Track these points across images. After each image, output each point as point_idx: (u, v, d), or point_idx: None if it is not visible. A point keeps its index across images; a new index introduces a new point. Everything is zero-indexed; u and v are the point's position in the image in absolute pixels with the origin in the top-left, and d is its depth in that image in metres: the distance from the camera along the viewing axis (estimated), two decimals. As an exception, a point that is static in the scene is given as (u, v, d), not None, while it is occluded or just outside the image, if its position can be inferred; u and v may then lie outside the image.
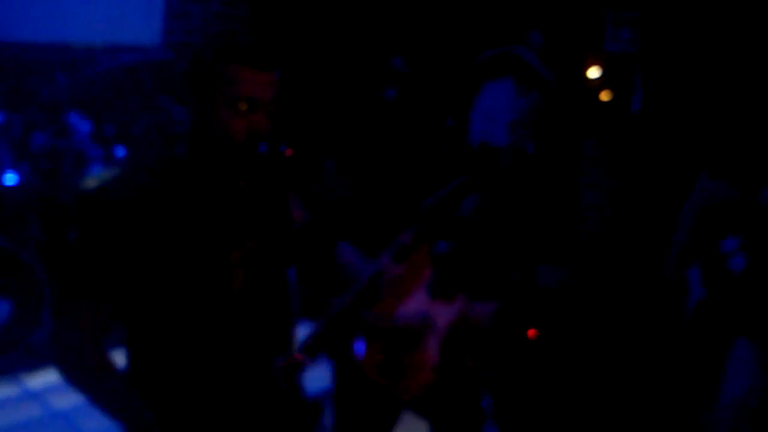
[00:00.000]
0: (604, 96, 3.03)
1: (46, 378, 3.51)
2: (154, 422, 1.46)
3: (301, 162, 1.79)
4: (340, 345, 2.35)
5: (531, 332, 2.96)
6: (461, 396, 2.43)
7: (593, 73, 3.06)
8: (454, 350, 2.37)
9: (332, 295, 1.73)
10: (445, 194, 2.02)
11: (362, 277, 1.63)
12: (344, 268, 1.82)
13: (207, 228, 1.50)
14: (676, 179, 2.67)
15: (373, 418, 2.37)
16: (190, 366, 1.52)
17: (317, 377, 2.62)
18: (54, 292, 3.49)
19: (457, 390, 2.42)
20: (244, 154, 1.47)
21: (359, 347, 2.27)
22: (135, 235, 1.43)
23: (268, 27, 4.76)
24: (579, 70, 3.18)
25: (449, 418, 2.43)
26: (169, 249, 1.45)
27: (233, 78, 1.42)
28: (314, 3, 4.63)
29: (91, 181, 4.02)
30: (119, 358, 1.55)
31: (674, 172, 2.73)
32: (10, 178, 3.83)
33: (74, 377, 1.48)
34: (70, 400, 3.23)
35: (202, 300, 1.49)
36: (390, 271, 1.67)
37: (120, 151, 4.33)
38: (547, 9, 3.29)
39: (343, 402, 2.40)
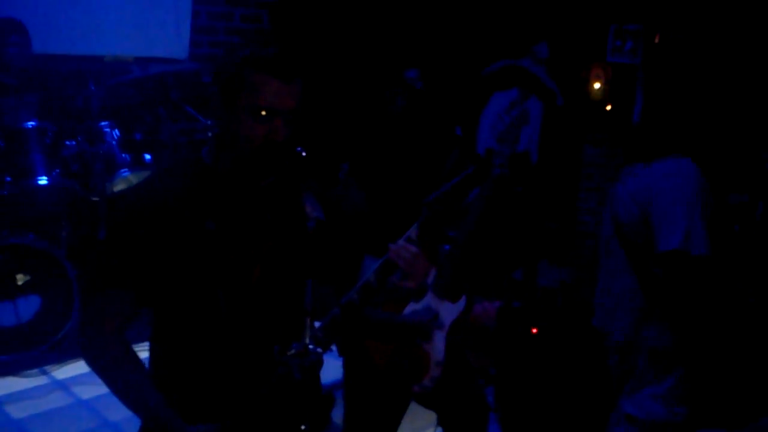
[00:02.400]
0: (607, 106, 3.15)
1: (73, 370, 3.67)
2: (169, 415, 1.53)
3: (317, 164, 1.89)
4: (350, 338, 2.46)
5: (533, 330, 3.07)
6: (467, 390, 2.53)
7: (596, 83, 3.18)
8: (460, 347, 2.47)
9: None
10: (450, 187, 2.05)
11: (370, 270, 1.71)
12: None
13: (228, 225, 1.58)
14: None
15: (382, 410, 2.47)
16: (209, 356, 1.60)
17: (328, 370, 2.75)
18: (82, 284, 3.65)
19: (463, 384, 2.51)
20: (263, 157, 1.54)
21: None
22: (160, 231, 1.52)
23: (289, 40, 4.94)
24: (583, 80, 3.30)
25: (456, 411, 2.52)
26: (192, 244, 1.54)
27: (257, 86, 1.48)
28: (333, 19, 4.80)
29: (120, 184, 4.18)
30: (143, 353, 1.64)
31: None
32: (42, 181, 3.99)
33: (95, 363, 1.57)
34: (95, 390, 3.40)
35: (222, 292, 1.57)
36: (397, 262, 1.72)
37: (147, 158, 4.49)
38: (552, 22, 3.42)
39: (354, 394, 2.50)
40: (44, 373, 3.75)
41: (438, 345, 2.31)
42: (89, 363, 1.59)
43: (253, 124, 1.51)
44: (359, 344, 2.39)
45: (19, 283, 3.79)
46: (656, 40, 3.29)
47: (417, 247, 1.69)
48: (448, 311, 2.35)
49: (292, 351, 1.53)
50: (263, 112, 1.50)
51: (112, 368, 1.57)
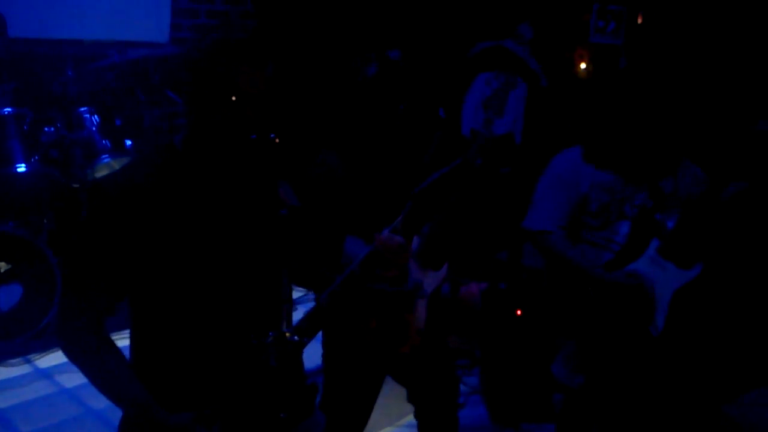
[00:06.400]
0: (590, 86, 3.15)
1: (57, 358, 3.64)
2: (150, 404, 1.53)
3: (292, 149, 1.88)
4: (334, 322, 2.46)
5: (518, 311, 3.09)
6: (439, 365, 2.55)
7: (581, 64, 3.17)
8: (439, 324, 2.49)
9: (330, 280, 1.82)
10: (436, 179, 2.06)
11: (355, 260, 1.68)
12: (347, 259, 1.84)
13: (203, 213, 1.58)
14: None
15: (359, 384, 2.48)
16: (187, 345, 1.60)
17: (312, 356, 2.74)
18: (62, 274, 3.61)
19: (436, 358, 2.53)
20: (236, 143, 1.54)
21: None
22: (137, 221, 1.51)
23: (272, 23, 4.88)
24: (567, 61, 3.28)
25: (426, 386, 2.54)
26: (168, 233, 1.53)
27: (226, 72, 1.48)
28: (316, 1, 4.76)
29: (102, 170, 4.13)
30: (123, 342, 1.64)
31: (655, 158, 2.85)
32: (21, 168, 3.93)
33: (74, 355, 1.56)
34: (79, 378, 3.35)
35: (199, 280, 1.57)
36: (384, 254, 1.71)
37: (128, 143, 4.43)
38: (536, 2, 3.41)
39: (332, 370, 2.52)
40: (27, 361, 3.72)
41: (420, 314, 2.33)
42: (68, 355, 1.57)
43: (224, 110, 1.50)
44: (341, 319, 2.39)
45: (0, 271, 3.75)
46: (639, 21, 3.29)
47: (401, 237, 1.70)
48: (431, 280, 2.37)
49: (269, 339, 1.53)
50: (234, 98, 1.49)
51: (92, 360, 1.55)
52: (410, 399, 2.58)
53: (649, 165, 2.68)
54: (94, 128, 4.24)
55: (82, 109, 4.24)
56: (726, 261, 2.96)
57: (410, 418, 3.20)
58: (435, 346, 2.47)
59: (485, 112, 2.30)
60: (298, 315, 1.72)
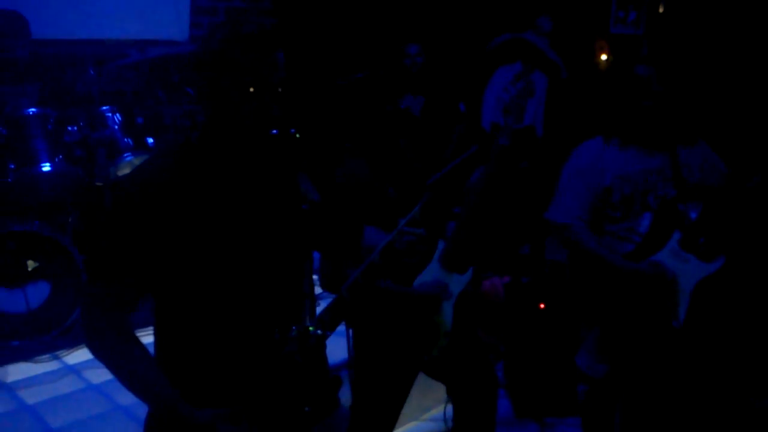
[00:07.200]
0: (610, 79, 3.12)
1: (84, 354, 3.68)
2: (176, 400, 1.53)
3: (313, 144, 1.86)
4: (359, 313, 2.47)
5: (541, 305, 3.07)
6: (475, 361, 2.54)
7: (602, 55, 3.14)
8: (468, 318, 2.49)
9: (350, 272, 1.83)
10: (452, 168, 2.06)
11: (375, 250, 1.69)
12: (367, 250, 1.85)
13: (223, 208, 1.57)
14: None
15: (391, 383, 2.48)
16: (211, 341, 1.59)
17: (334, 351, 2.75)
18: (85, 272, 3.66)
19: (471, 355, 2.53)
20: (255, 136, 1.53)
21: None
22: (157, 217, 1.50)
23: (291, 20, 4.89)
24: (588, 53, 3.26)
25: (464, 382, 2.53)
26: (188, 228, 1.53)
27: (240, 64, 1.48)
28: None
29: (124, 168, 4.17)
30: (148, 338, 1.62)
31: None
32: (46, 167, 3.99)
33: (100, 352, 1.55)
34: (106, 374, 3.38)
35: (221, 275, 1.57)
36: (402, 243, 1.71)
37: (150, 141, 4.47)
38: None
39: (362, 368, 2.52)
40: (56, 358, 3.78)
41: (447, 315, 2.33)
42: (93, 352, 1.57)
43: (241, 102, 1.50)
44: (368, 317, 2.40)
45: (28, 269, 3.81)
46: (660, 11, 3.25)
47: (420, 228, 1.69)
48: (456, 282, 2.37)
49: (293, 333, 1.53)
50: (251, 89, 1.49)
51: (117, 356, 1.55)
52: (449, 392, 2.58)
53: (669, 131, 2.65)
54: (116, 127, 4.29)
55: (105, 108, 4.28)
56: (749, 254, 2.93)
57: (434, 413, 3.22)
58: (467, 342, 2.47)
59: (505, 119, 2.28)
60: (320, 310, 1.72)
